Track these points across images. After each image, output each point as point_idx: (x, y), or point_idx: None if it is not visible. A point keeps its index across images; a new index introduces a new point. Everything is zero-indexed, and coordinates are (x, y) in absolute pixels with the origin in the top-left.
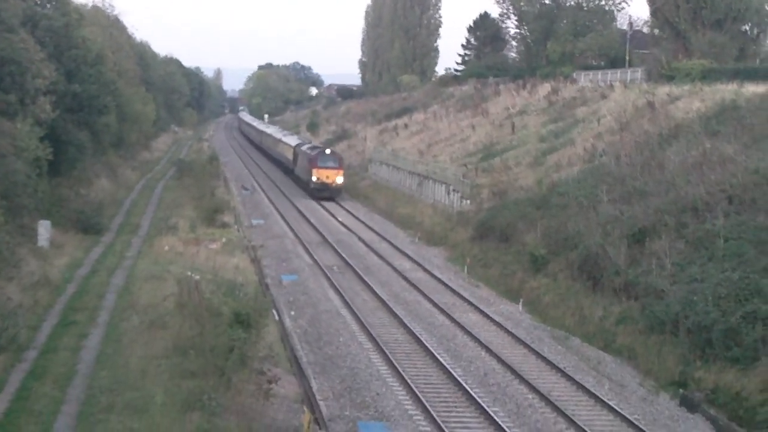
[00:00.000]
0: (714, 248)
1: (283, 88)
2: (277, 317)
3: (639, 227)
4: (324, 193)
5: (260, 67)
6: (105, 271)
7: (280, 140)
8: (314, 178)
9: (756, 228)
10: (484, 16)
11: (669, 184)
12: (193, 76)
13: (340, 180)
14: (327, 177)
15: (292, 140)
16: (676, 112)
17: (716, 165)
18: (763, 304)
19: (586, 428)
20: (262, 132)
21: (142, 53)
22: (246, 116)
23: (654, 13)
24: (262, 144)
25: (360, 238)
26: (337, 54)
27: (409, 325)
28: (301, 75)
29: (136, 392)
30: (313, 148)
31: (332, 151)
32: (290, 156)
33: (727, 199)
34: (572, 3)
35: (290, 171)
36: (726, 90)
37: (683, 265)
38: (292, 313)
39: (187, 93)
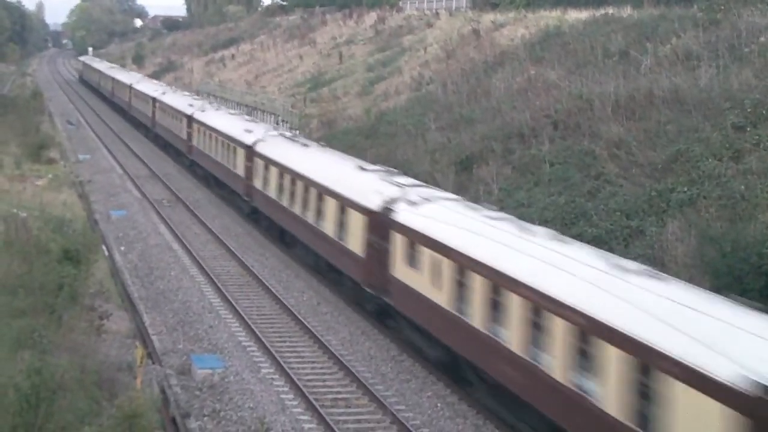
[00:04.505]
0: (540, 173)
1: (107, 20)
2: (107, 253)
3: (466, 154)
4: None
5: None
6: None
7: None
8: None
9: (580, 152)
10: None
11: (495, 110)
12: (14, 9)
13: None
14: None
15: None
16: (501, 40)
17: (541, 91)
18: (588, 227)
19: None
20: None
21: None
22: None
23: None
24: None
25: (188, 172)
26: None
27: (241, 257)
28: (126, 6)
29: None
30: None
31: None
32: None
33: (552, 125)
34: None
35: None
36: (550, 17)
37: (510, 191)
38: (122, 248)
39: (9, 27)
